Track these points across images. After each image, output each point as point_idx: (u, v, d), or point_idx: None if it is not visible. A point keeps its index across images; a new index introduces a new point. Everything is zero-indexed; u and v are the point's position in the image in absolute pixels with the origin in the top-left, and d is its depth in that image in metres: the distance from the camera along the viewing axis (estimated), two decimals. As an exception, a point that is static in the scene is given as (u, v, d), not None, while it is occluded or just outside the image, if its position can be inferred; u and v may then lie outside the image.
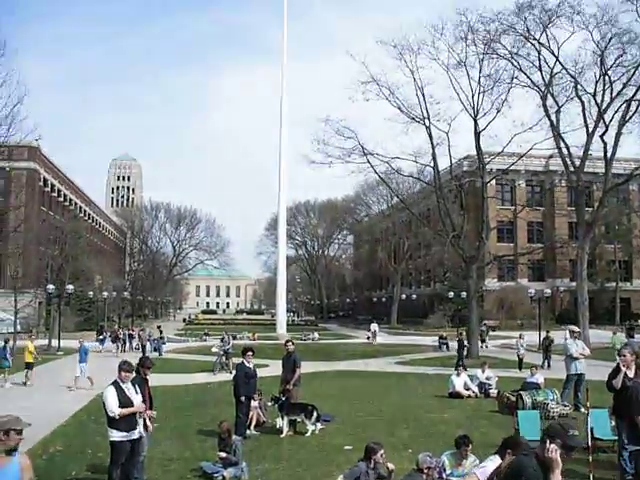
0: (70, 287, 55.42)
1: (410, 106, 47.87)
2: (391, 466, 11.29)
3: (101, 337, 53.04)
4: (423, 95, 47.37)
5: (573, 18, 47.47)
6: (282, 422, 18.07)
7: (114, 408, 11.52)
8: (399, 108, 48.03)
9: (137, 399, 11.96)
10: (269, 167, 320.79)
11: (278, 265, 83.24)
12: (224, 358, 36.59)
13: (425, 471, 10.25)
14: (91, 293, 74.72)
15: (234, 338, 68.21)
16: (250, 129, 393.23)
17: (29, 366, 30.34)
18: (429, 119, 47.32)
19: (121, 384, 11.86)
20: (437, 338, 54.72)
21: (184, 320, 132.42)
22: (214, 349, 38.30)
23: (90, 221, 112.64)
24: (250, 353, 17.96)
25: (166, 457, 15.05)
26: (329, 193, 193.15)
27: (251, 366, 17.78)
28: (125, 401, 11.71)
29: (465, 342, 41.12)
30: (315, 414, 18.23)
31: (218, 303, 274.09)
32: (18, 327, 50.71)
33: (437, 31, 46.72)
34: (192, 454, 15.56)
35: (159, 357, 44.40)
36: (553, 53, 48.96)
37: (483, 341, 53.40)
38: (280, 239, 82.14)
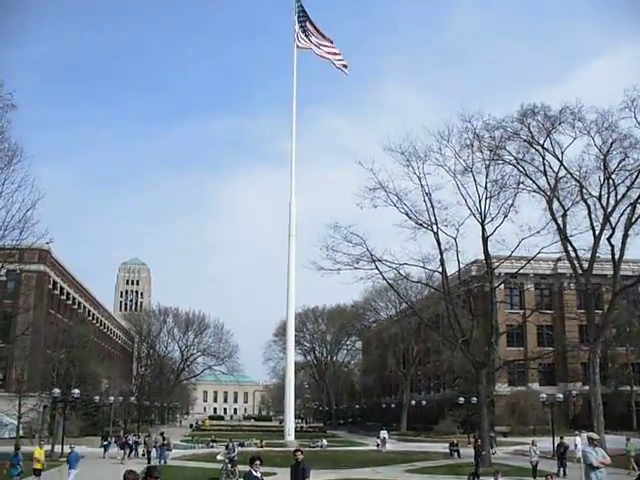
0: (76, 391, 54.79)
1: (418, 212, 48.37)
2: None
3: (105, 443, 52.19)
4: (430, 201, 47.95)
5: (575, 124, 48.48)
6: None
7: None
8: (407, 214, 48.53)
9: None
10: (278, 272, 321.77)
11: (286, 371, 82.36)
12: (230, 466, 35.79)
13: None
14: (97, 397, 73.82)
15: (242, 445, 67.30)
16: (259, 234, 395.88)
17: (37, 473, 29.97)
18: (437, 225, 47.74)
19: None
20: (448, 445, 53.73)
21: (191, 426, 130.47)
22: (219, 457, 37.38)
23: (98, 325, 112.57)
24: (257, 462, 17.51)
25: None
26: (338, 298, 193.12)
27: (259, 475, 17.34)
28: None
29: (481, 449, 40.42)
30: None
31: (226, 409, 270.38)
32: (21, 432, 49.95)
33: (443, 138, 47.62)
34: None
35: (163, 465, 43.44)
36: (557, 158, 49.74)
37: (491, 447, 52.29)
38: (289, 345, 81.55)
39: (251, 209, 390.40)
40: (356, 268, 49.25)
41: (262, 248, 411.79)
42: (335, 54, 54.77)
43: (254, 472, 17.19)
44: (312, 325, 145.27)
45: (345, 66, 56.72)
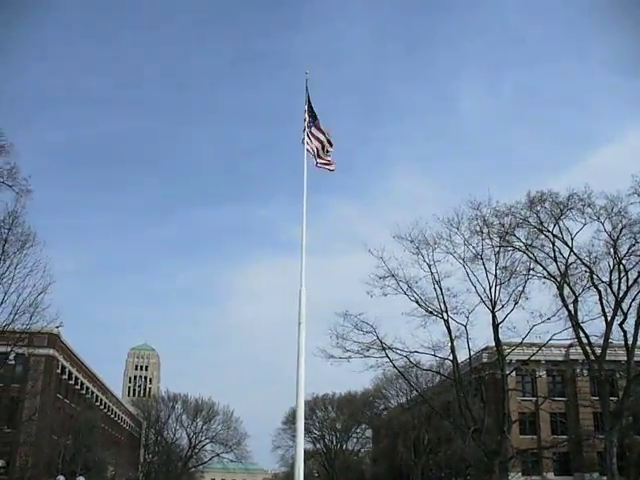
0: (81, 479, 54.01)
1: (428, 299, 48.26)
2: None
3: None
4: (440, 288, 47.90)
5: (584, 210, 48.57)
6: None
7: None
8: (417, 302, 48.40)
9: None
10: (288, 359, 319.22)
11: (296, 459, 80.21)
12: None
13: None
14: (102, 486, 72.72)
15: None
16: (269, 320, 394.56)
17: None
18: (447, 312, 47.60)
19: None
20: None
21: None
22: None
23: (106, 410, 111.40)
24: None
25: None
26: (348, 386, 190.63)
27: None
28: None
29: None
30: None
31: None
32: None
33: (453, 225, 47.88)
34: None
35: None
36: (567, 244, 49.68)
37: None
38: (298, 433, 79.20)
39: (260, 295, 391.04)
40: (366, 356, 48.94)
41: (272, 334, 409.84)
42: (328, 163, 55.14)
43: None
44: (322, 413, 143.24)
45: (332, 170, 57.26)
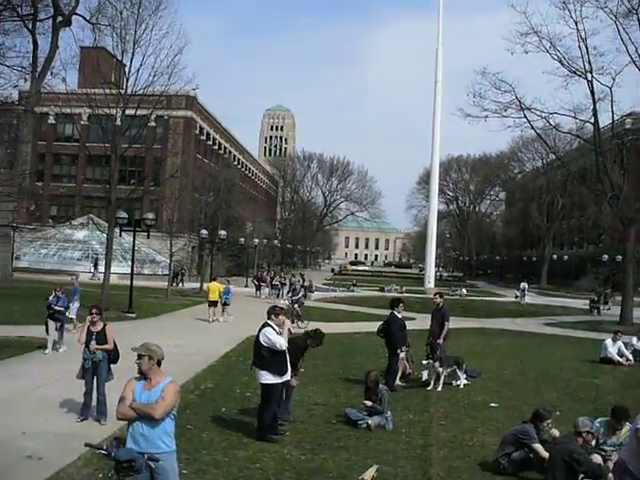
0: (222, 233, 56.85)
1: (571, 59, 45.29)
2: (556, 433, 11.15)
3: (257, 283, 54.62)
4: (586, 47, 44.66)
5: None
6: (429, 375, 17.91)
7: (281, 342, 11.85)
8: (560, 61, 45.55)
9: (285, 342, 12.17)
10: (422, 120, 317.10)
11: (429, 219, 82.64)
12: (296, 306, 35.04)
13: (583, 435, 9.72)
14: (242, 239, 76.36)
15: (382, 290, 68.75)
16: (404, 81, 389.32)
17: (212, 304, 33.72)
18: (591, 73, 44.67)
19: (274, 327, 12.02)
20: (588, 302, 52.99)
21: (332, 270, 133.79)
22: (284, 300, 36.07)
23: (243, 169, 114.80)
24: (401, 305, 17.72)
25: (312, 401, 15.35)
26: (483, 148, 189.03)
27: (400, 316, 17.58)
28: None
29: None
30: (464, 368, 18.13)
31: (366, 255, 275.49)
32: (173, 270, 52.60)
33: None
34: (337, 400, 15.75)
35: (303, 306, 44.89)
36: None
37: (606, 303, 54.07)
38: (432, 194, 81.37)
39: (397, 55, 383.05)
40: (504, 116, 47.27)
41: (408, 95, 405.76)
42: None
43: (397, 314, 17.39)
44: (456, 174, 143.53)
45: None
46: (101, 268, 63.39)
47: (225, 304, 34.59)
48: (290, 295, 36.79)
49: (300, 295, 36.71)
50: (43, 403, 14.06)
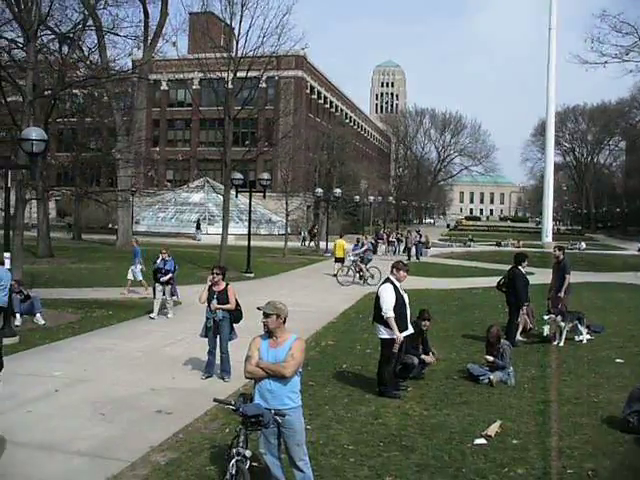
0: (337, 191, 56.89)
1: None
2: None
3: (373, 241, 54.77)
4: None
5: None
6: (550, 330, 17.49)
7: (390, 310, 11.63)
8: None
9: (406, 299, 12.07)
10: (536, 70, 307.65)
11: (545, 172, 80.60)
12: (360, 261, 33.50)
13: None
14: (357, 197, 76.35)
15: (499, 245, 67.69)
16: (516, 31, 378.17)
17: (339, 260, 35.26)
18: None
19: (396, 283, 11.92)
20: None
21: (448, 226, 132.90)
22: (350, 256, 34.94)
23: (355, 127, 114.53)
24: (526, 261, 17.35)
25: (432, 356, 15.19)
26: (600, 96, 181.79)
27: (524, 272, 17.20)
28: (400, 301, 11.83)
29: None
30: (585, 323, 17.58)
31: (482, 209, 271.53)
32: (288, 229, 53.13)
33: None
34: (458, 356, 15.62)
35: (417, 262, 44.58)
36: None
37: None
38: (547, 145, 79.13)
39: (509, 3, 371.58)
40: (625, 60, 45.23)
41: (520, 45, 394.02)
42: None
43: (521, 269, 17.00)
44: (572, 125, 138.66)
45: None
46: (205, 229, 65.28)
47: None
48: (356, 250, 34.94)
49: (364, 249, 35.09)
50: (168, 361, 14.52)
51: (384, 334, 11.83)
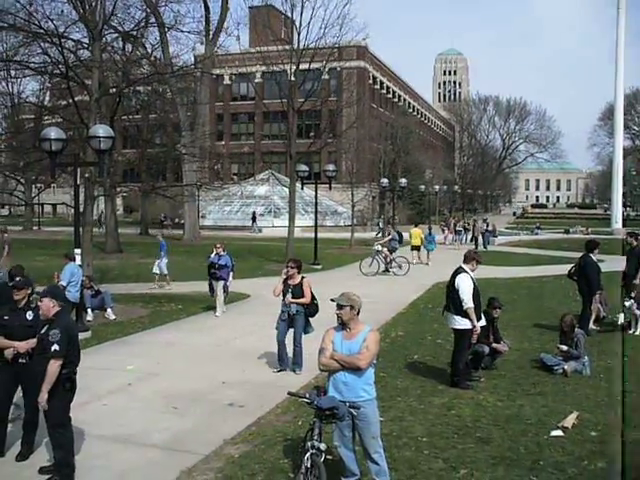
0: (403, 181, 56.49)
1: None
2: None
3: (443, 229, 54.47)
4: None
5: None
6: (625, 318, 17.06)
7: (470, 300, 11.49)
8: None
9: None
10: (602, 52, 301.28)
11: (614, 157, 78.64)
12: (386, 250, 32.63)
13: None
14: (422, 187, 75.83)
15: (567, 232, 66.48)
16: (579, 13, 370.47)
17: (416, 248, 36.40)
18: None
19: (471, 273, 11.74)
20: None
21: (514, 214, 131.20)
22: (376, 245, 33.86)
23: (418, 116, 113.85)
24: (598, 248, 16.96)
25: (504, 347, 14.93)
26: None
27: (595, 259, 16.82)
28: (476, 291, 11.69)
29: None
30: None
31: (548, 197, 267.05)
32: (355, 220, 53.01)
33: None
34: (530, 345, 15.32)
35: (485, 250, 43.97)
36: None
37: None
38: (617, 129, 77.18)
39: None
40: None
41: (584, 28, 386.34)
42: None
43: (593, 257, 16.63)
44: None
45: None
46: (260, 222, 65.60)
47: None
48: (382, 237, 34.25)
49: (389, 238, 34.31)
50: (239, 354, 14.58)
51: (460, 325, 11.65)
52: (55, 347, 7.52)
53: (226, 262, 19.63)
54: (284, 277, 13.11)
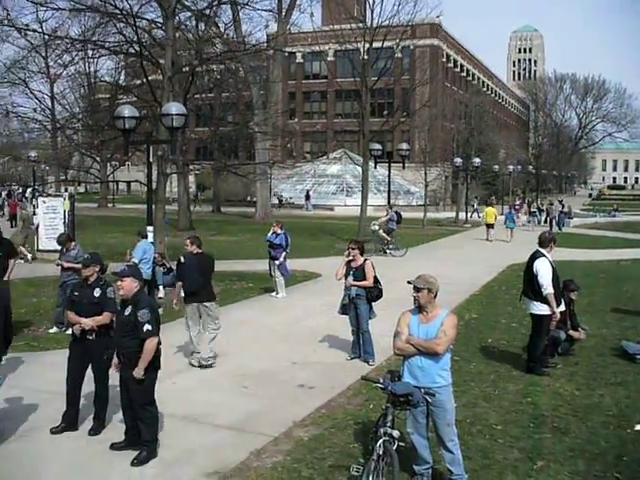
0: (476, 160, 55.58)
1: None
2: None
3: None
4: None
5: None
6: None
7: (550, 285, 11.09)
8: None
9: None
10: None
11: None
12: (381, 232, 31.27)
13: None
14: (496, 167, 74.56)
15: (614, 214, 64.50)
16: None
17: (490, 226, 38.55)
18: None
19: (548, 256, 11.37)
20: None
21: (590, 195, 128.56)
22: (374, 226, 32.38)
23: (493, 95, 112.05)
24: None
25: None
26: None
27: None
28: (555, 275, 11.32)
29: None
30: None
31: (626, 178, 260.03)
32: (427, 200, 52.52)
33: None
34: (609, 332, 14.78)
35: (560, 232, 43.02)
36: None
37: None
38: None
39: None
40: None
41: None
42: None
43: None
44: None
45: None
46: (314, 201, 65.48)
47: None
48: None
49: (387, 218, 32.30)
50: (309, 335, 14.45)
51: (539, 310, 11.28)
52: (147, 327, 7.77)
53: (281, 241, 19.04)
54: (347, 259, 12.55)
